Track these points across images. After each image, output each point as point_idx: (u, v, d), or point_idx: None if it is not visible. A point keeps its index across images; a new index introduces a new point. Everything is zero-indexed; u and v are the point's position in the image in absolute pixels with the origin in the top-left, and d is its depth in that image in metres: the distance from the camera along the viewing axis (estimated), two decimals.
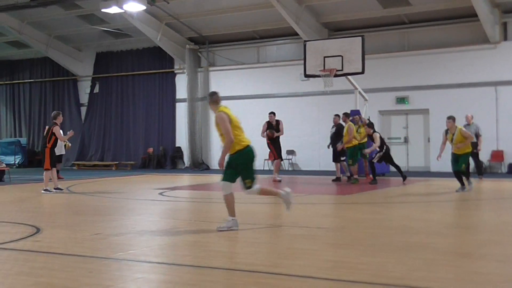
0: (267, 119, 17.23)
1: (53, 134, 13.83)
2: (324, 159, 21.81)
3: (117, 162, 26.63)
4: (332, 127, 17.24)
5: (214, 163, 25.14)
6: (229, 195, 7.79)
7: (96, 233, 7.65)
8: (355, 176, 15.96)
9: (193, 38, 25.46)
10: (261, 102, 23.95)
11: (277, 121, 17.02)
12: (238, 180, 7.84)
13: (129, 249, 6.61)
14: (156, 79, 26.72)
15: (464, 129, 13.11)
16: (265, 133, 16.98)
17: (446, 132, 12.96)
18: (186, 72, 25.45)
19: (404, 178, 15.81)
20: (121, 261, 5.94)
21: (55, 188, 13.97)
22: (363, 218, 9.35)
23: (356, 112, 17.74)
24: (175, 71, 26.33)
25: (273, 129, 16.97)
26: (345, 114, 16.57)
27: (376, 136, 15.60)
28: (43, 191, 13.69)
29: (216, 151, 25.13)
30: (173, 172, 23.72)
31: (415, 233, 7.69)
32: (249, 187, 7.84)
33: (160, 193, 13.55)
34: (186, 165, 25.73)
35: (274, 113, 17.18)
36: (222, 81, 25.17)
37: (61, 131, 14.33)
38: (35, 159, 27.82)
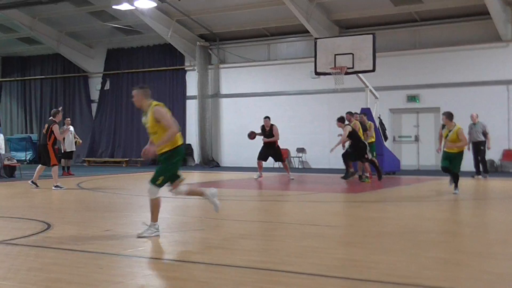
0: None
1: (53, 132, 13.92)
2: (334, 157, 21.73)
3: (127, 159, 26.70)
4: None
5: (225, 161, 25.18)
6: (157, 199, 7.20)
7: (106, 230, 7.67)
8: (366, 174, 15.88)
9: (203, 35, 25.48)
10: (271, 99, 23.95)
11: (272, 126, 16.84)
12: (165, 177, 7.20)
13: (140, 246, 6.62)
14: (166, 76, 26.76)
15: (462, 130, 12.32)
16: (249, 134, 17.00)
17: (443, 126, 12.51)
18: (197, 69, 25.46)
19: (349, 174, 15.42)
20: (132, 258, 5.96)
21: (32, 182, 14.05)
22: (373, 216, 9.31)
23: (366, 111, 17.66)
24: (186, 68, 26.36)
25: (265, 133, 16.83)
26: (349, 113, 16.26)
27: (346, 129, 15.30)
28: (53, 188, 13.77)
29: (226, 149, 25.16)
30: (183, 169, 23.60)
31: (426, 231, 7.65)
32: (157, 184, 7.08)
33: (170, 190, 13.52)
34: (196, 162, 25.76)
35: (269, 118, 16.96)
36: (232, 78, 25.19)
37: (71, 127, 14.41)
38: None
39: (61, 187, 13.86)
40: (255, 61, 24.70)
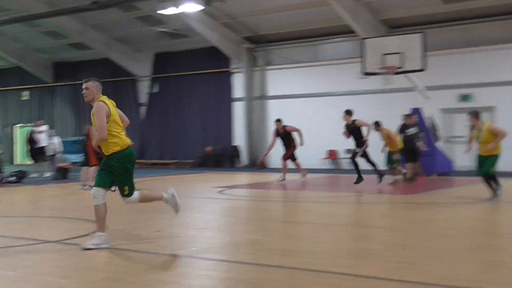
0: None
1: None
2: (383, 157, 21.49)
3: (176, 161, 26.97)
4: (407, 127, 15.88)
5: (272, 162, 25.13)
6: (101, 206, 6.61)
7: (157, 230, 7.75)
8: (404, 171, 15.41)
9: (249, 37, 25.52)
10: (318, 100, 23.81)
11: (284, 127, 16.46)
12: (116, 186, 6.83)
13: (191, 246, 6.67)
14: (213, 78, 26.92)
15: (493, 126, 11.16)
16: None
17: (472, 127, 11.49)
18: (243, 71, 25.55)
19: (381, 176, 14.74)
20: (183, 258, 6.00)
21: (83, 185, 14.36)
22: (426, 218, 9.14)
23: (416, 111, 17.37)
24: (232, 71, 26.47)
25: (280, 136, 16.55)
26: (377, 124, 15.48)
27: (362, 122, 14.73)
28: (82, 186, 14.13)
29: (273, 150, 25.09)
30: (231, 170, 23.85)
31: (481, 234, 7.48)
32: (127, 195, 6.69)
33: (219, 192, 13.63)
34: (243, 163, 25.84)
35: (279, 120, 16.68)
36: (278, 80, 25.16)
37: None
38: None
39: (91, 187, 14.12)
40: (301, 62, 24.61)
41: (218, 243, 6.99)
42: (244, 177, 20.08)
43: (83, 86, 6.63)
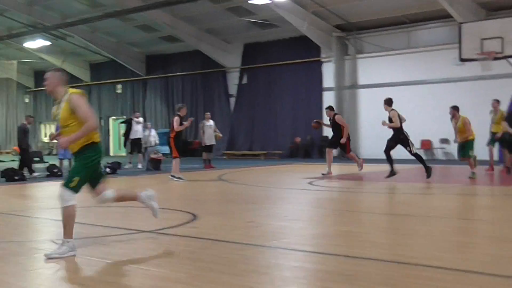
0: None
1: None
2: (480, 147, 20.54)
3: (265, 152, 27.07)
4: None
5: (363, 153, 24.71)
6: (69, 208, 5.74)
7: (249, 221, 7.75)
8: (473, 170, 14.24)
9: (340, 25, 25.14)
10: (412, 89, 23.13)
11: (335, 116, 15.92)
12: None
13: (283, 238, 6.61)
14: (302, 68, 26.77)
15: None
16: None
17: None
18: (333, 60, 25.23)
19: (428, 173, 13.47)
20: (276, 249, 5.94)
21: (176, 177, 14.51)
22: None
23: None
24: (322, 60, 26.19)
25: (330, 124, 16.11)
26: (455, 108, 14.25)
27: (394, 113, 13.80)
28: (170, 177, 14.44)
29: (364, 141, 24.67)
30: (321, 161, 23.61)
31: None
32: (72, 188, 5.66)
33: (309, 183, 13.52)
34: (334, 154, 25.49)
35: (330, 108, 16.23)
36: (370, 68, 24.67)
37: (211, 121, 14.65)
38: (187, 149, 28.98)
39: (181, 179, 14.29)
40: (394, 50, 23.98)
41: (310, 234, 6.89)
42: (333, 168, 19.79)
43: (44, 77, 6.10)
